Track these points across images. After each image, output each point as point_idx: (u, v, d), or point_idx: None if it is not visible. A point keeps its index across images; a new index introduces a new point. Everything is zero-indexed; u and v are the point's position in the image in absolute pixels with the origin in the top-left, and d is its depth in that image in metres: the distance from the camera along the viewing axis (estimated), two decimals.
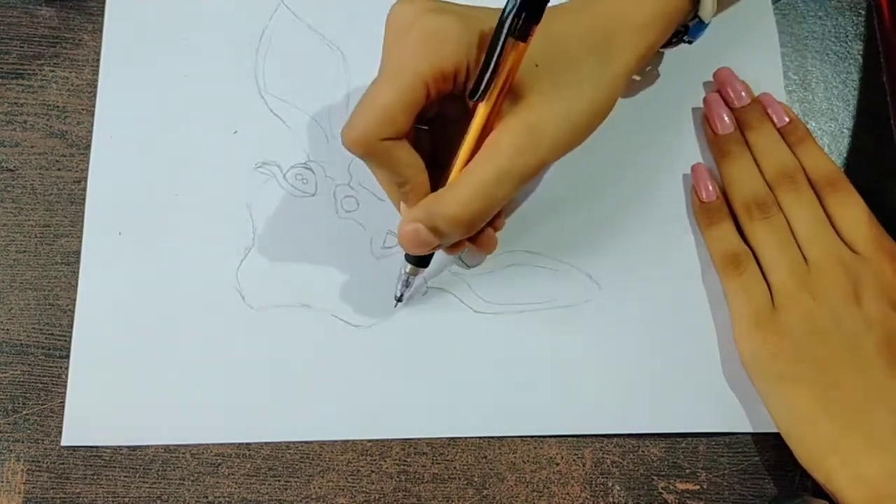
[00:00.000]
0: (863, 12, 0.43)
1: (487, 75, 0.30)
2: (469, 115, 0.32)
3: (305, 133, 0.41)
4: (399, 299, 0.38)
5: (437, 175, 0.34)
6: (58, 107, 0.41)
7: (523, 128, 0.31)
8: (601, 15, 0.34)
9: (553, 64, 0.32)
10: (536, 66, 0.32)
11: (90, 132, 0.41)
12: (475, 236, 0.36)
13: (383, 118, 0.31)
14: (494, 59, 0.30)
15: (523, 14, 0.29)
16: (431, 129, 0.36)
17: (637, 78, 0.42)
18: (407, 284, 0.38)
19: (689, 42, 0.39)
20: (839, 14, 0.43)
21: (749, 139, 0.40)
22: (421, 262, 0.37)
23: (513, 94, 0.32)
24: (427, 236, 0.33)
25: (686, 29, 0.38)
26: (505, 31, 0.29)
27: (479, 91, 0.30)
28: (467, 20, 0.31)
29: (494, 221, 0.37)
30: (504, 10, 0.29)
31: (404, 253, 0.36)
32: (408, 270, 0.37)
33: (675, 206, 0.40)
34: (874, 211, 0.38)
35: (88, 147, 0.41)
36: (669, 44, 0.39)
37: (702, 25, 0.37)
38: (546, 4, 0.29)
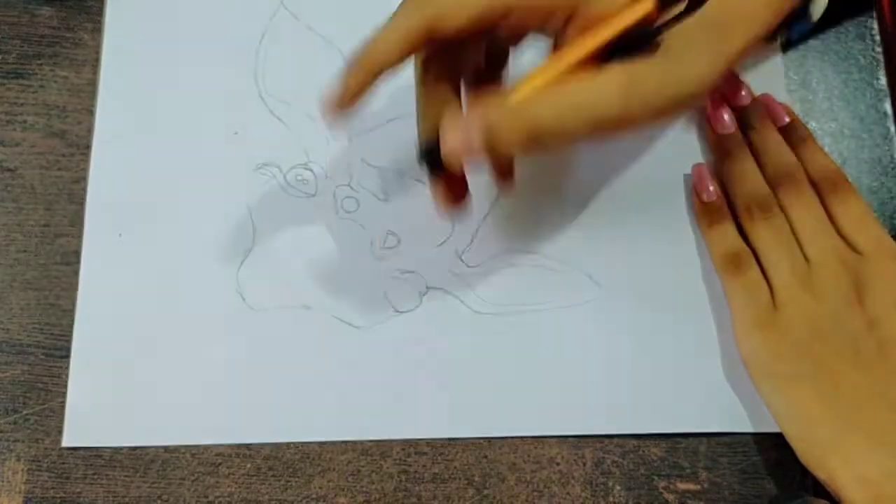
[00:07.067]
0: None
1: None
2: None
3: (305, 134, 0.41)
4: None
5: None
6: (58, 107, 0.41)
7: (622, 76, 0.30)
8: (714, 3, 0.31)
9: (665, 39, 0.31)
10: None
11: (90, 132, 0.41)
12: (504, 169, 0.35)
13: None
14: None
15: None
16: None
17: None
18: (400, 174, 0.37)
19: (790, 41, 0.36)
20: None
21: (750, 139, 0.40)
22: (434, 167, 0.33)
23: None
24: (477, 136, 0.30)
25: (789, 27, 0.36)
26: None
27: None
28: None
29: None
30: None
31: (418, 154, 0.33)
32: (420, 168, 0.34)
33: (676, 206, 0.40)
34: (875, 211, 0.38)
35: (88, 147, 0.41)
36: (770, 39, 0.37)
37: (804, 23, 0.35)
38: None
